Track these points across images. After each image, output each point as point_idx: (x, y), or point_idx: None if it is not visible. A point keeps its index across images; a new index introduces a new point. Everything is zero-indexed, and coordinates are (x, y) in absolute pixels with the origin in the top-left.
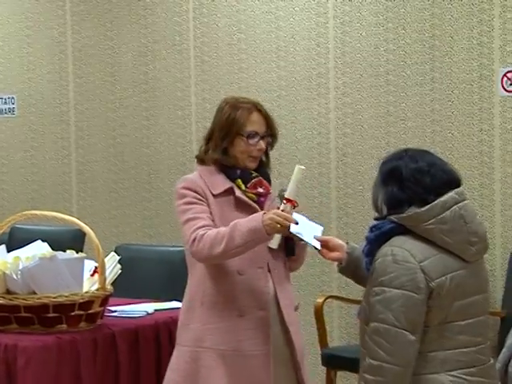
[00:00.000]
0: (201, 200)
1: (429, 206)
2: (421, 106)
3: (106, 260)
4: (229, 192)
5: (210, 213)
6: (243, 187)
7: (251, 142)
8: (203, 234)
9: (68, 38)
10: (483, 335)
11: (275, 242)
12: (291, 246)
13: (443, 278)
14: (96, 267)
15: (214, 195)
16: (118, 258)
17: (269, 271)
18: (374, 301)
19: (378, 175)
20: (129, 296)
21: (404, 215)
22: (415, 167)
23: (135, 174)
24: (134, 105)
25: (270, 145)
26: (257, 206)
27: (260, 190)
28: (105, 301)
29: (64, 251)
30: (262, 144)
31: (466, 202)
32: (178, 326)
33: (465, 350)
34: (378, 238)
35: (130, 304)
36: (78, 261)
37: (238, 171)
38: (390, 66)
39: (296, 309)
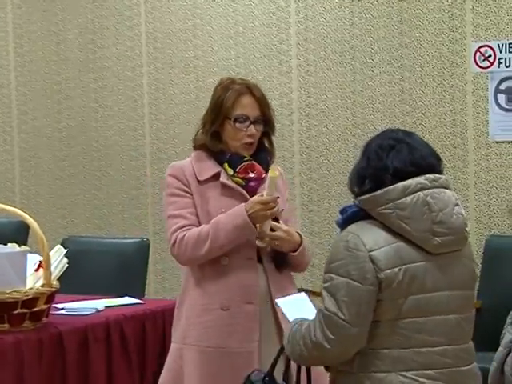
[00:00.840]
0: (184, 191)
1: (387, 188)
2: (389, 85)
3: (51, 254)
4: (216, 178)
5: (194, 204)
6: (230, 171)
7: (239, 126)
8: (183, 237)
9: (8, 13)
10: (447, 336)
11: (262, 241)
12: (281, 259)
13: (395, 269)
14: (41, 261)
15: (199, 181)
16: (64, 251)
17: (260, 262)
18: (323, 287)
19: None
20: (77, 292)
21: (362, 198)
22: (380, 143)
23: (83, 161)
24: (81, 86)
25: (269, 131)
26: (244, 192)
27: (251, 174)
28: (50, 298)
29: (5, 244)
30: (253, 129)
31: (439, 189)
32: None
33: (422, 349)
34: (345, 222)
35: (78, 301)
36: (21, 255)
37: (228, 155)
38: (356, 41)
39: None
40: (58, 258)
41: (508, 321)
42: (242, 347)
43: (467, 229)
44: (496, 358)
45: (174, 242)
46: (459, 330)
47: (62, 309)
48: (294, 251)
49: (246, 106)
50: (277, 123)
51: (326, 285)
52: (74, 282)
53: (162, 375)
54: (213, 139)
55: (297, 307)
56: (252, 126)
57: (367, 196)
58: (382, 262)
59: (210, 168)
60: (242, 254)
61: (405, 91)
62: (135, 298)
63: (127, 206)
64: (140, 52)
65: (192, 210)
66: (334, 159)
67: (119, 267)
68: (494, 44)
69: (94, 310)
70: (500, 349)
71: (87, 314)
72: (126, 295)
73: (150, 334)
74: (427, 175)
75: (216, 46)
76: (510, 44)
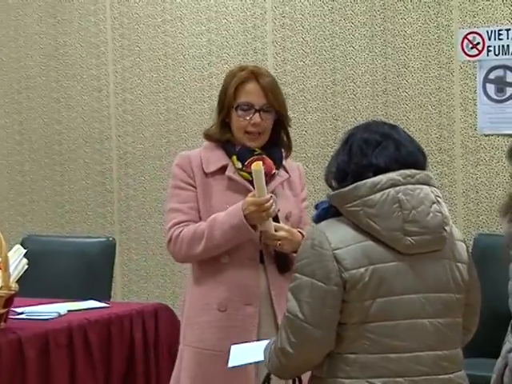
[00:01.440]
0: (188, 183)
1: (355, 184)
2: (371, 74)
3: (10, 254)
4: (223, 170)
5: (197, 198)
6: (238, 165)
7: (241, 114)
8: (179, 234)
9: None
10: (422, 342)
11: (265, 224)
12: (283, 261)
13: (361, 269)
14: None
15: (206, 174)
16: (24, 251)
17: (262, 263)
18: (289, 288)
19: (336, 147)
20: (38, 295)
21: (331, 194)
22: (365, 137)
23: (44, 155)
24: (42, 75)
25: (284, 122)
26: (251, 187)
27: None
28: (9, 301)
29: None
30: (257, 118)
31: (414, 186)
32: None
33: (391, 355)
34: (318, 218)
35: (38, 305)
36: None
37: (238, 147)
38: (336, 27)
39: None
40: (17, 259)
41: (509, 328)
42: None
43: (447, 228)
44: (495, 369)
45: (170, 238)
46: (438, 336)
47: (22, 313)
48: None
49: (250, 93)
50: None
51: (291, 285)
52: (34, 284)
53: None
54: (222, 129)
55: (248, 353)
56: (257, 114)
57: (336, 192)
58: (346, 261)
59: (217, 160)
60: (243, 253)
61: (388, 81)
62: (100, 301)
63: (91, 203)
64: (105, 38)
65: (193, 204)
66: (312, 154)
67: (83, 268)
68: (482, 31)
69: (55, 315)
70: (499, 359)
71: (48, 319)
72: (91, 298)
73: (116, 340)
74: (402, 171)
75: (186, 33)
76: (499, 31)
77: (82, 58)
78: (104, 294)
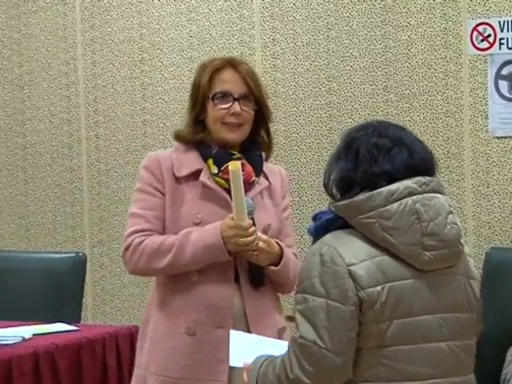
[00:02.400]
0: (155, 189)
1: (369, 193)
2: (370, 69)
3: None
4: (197, 176)
5: (164, 206)
6: (214, 170)
7: (218, 103)
8: (140, 243)
9: None
10: (439, 367)
11: None
12: (258, 275)
13: (378, 287)
14: None
15: (177, 178)
16: None
17: (237, 280)
18: (296, 311)
19: (335, 149)
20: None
21: (340, 203)
22: (375, 142)
23: (6, 161)
24: (3, 71)
25: (265, 116)
26: (227, 197)
27: None
28: None
29: None
30: (237, 107)
31: (430, 195)
32: None
33: None
34: (318, 232)
35: (1, 328)
36: None
37: (215, 149)
38: (331, 18)
39: (280, 333)
40: None
41: (508, 358)
42: (209, 380)
43: (462, 241)
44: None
45: (128, 246)
46: (455, 361)
47: None
48: (276, 265)
49: (227, 81)
50: None
51: (299, 307)
52: None
53: None
54: (194, 128)
55: (251, 348)
56: (236, 103)
57: (346, 202)
58: (362, 279)
59: (191, 163)
60: (215, 270)
61: (389, 77)
62: (69, 324)
63: (59, 214)
64: (74, 30)
65: (158, 213)
66: (306, 158)
67: (50, 287)
68: (494, 21)
69: (19, 339)
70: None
71: (12, 344)
72: (59, 321)
73: (87, 367)
74: (417, 178)
75: (164, 24)
76: None
77: (48, 53)
78: (73, 316)
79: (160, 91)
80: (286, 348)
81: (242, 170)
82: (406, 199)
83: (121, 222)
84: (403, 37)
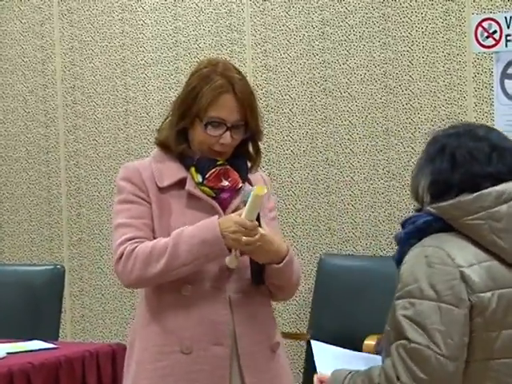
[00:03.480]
0: (140, 198)
1: (478, 193)
2: (369, 68)
3: None
4: (181, 185)
5: (152, 215)
6: (198, 178)
7: (210, 132)
8: (132, 251)
9: None
10: None
11: (232, 259)
12: (257, 271)
13: (489, 293)
14: None
15: (159, 189)
16: None
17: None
18: (400, 316)
19: (423, 153)
20: None
21: (444, 204)
22: (473, 144)
23: None
24: None
25: (253, 137)
26: (216, 205)
27: (224, 182)
28: None
29: None
30: (228, 138)
31: None
32: None
33: None
34: (410, 236)
35: None
36: None
37: (197, 157)
38: (327, 13)
39: (274, 348)
40: None
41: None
42: None
43: None
44: None
45: (121, 255)
46: None
47: None
48: (278, 263)
49: (224, 108)
50: None
51: (405, 312)
52: None
53: None
54: (178, 139)
55: (335, 360)
56: (228, 133)
57: (452, 202)
58: (474, 282)
59: (173, 172)
60: (207, 282)
61: (388, 76)
62: (46, 341)
63: (36, 224)
64: (51, 27)
65: (148, 221)
66: (300, 163)
67: (26, 302)
68: (499, 17)
69: None
70: None
71: None
72: (35, 338)
73: None
74: None
75: (148, 20)
76: None
77: (23, 51)
78: (51, 333)
79: (143, 91)
80: (376, 361)
81: (228, 178)
82: None
83: (102, 232)
84: (403, 33)
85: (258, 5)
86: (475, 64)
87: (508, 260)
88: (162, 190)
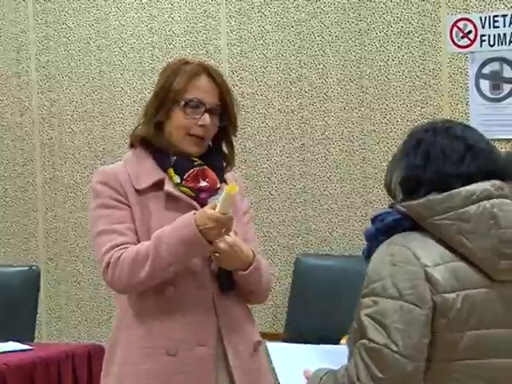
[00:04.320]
0: (119, 201)
1: (447, 193)
2: (344, 68)
3: None
4: (158, 186)
5: (133, 218)
6: (176, 179)
7: (190, 112)
8: (118, 257)
9: None
10: None
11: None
12: (225, 278)
13: (453, 294)
14: None
15: (137, 191)
16: None
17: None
18: (363, 316)
19: (399, 148)
20: None
21: (413, 202)
22: (448, 143)
23: None
24: None
25: (228, 129)
26: (196, 204)
27: (202, 183)
28: None
29: None
30: (207, 119)
31: (505, 200)
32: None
33: None
34: (379, 233)
35: None
36: None
37: (173, 158)
38: (303, 14)
39: (256, 346)
40: None
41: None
42: None
43: None
44: None
45: (108, 264)
46: None
47: None
48: (245, 270)
49: (202, 90)
50: None
51: (368, 311)
52: None
53: None
54: (156, 132)
55: (294, 358)
56: (206, 114)
57: (421, 201)
58: (439, 282)
59: (149, 174)
60: (190, 282)
61: (364, 76)
62: (22, 342)
63: (11, 225)
64: (26, 26)
65: (130, 225)
66: (276, 164)
67: (1, 303)
68: (475, 17)
69: None
70: None
71: None
72: (10, 339)
73: None
74: (493, 181)
75: (124, 20)
76: (494, 17)
77: None
78: (26, 334)
79: (119, 92)
80: (345, 353)
81: (206, 179)
82: (484, 202)
83: (78, 234)
84: (379, 33)
85: (233, 5)
86: (450, 64)
87: (475, 261)
88: (139, 192)
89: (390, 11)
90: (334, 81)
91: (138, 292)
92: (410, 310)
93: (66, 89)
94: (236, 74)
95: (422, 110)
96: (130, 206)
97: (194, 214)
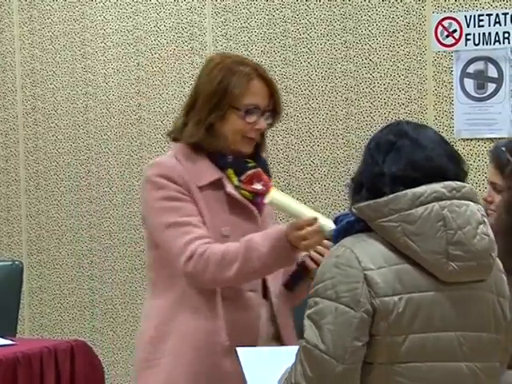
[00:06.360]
0: (186, 195)
1: (393, 195)
2: (329, 66)
3: None
4: (217, 185)
5: (201, 214)
6: (235, 181)
7: (249, 119)
8: (204, 252)
9: None
10: None
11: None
12: (297, 279)
13: (395, 297)
14: None
15: (198, 187)
16: None
17: (265, 297)
18: (306, 315)
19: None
20: None
21: (362, 204)
22: (378, 140)
23: None
24: None
25: (271, 123)
26: (255, 210)
27: (257, 186)
28: None
29: None
30: (263, 123)
31: (460, 201)
32: (135, 369)
33: None
34: (338, 235)
35: None
36: None
37: (230, 157)
38: (288, 11)
39: None
40: None
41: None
42: None
43: (493, 254)
44: None
45: (191, 256)
46: (475, 382)
47: None
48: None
49: (257, 94)
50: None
51: (308, 312)
52: None
53: None
54: (209, 135)
55: (265, 361)
56: (262, 118)
57: (367, 203)
58: (379, 286)
59: (207, 172)
60: (248, 285)
61: (348, 74)
62: (4, 337)
63: None
64: (12, 35)
65: (200, 218)
66: None
67: None
68: (460, 16)
69: None
70: None
71: None
72: None
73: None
74: (446, 182)
75: (109, 15)
76: (479, 16)
77: None
78: (9, 329)
79: (103, 88)
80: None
81: (260, 181)
82: (432, 204)
83: (61, 228)
84: (364, 31)
85: (218, 2)
86: (435, 63)
87: (422, 263)
88: (200, 188)
89: (376, 9)
90: (319, 78)
91: (193, 287)
92: (344, 312)
93: (51, 84)
94: None
95: (407, 108)
96: (195, 201)
97: (282, 226)
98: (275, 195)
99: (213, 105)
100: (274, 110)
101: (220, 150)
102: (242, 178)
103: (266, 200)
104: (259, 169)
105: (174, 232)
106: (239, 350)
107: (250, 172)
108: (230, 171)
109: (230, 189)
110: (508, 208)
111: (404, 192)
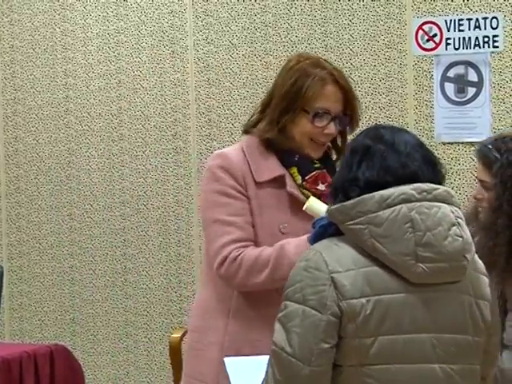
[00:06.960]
0: (240, 192)
1: (361, 197)
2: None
3: None
4: (278, 182)
5: (252, 211)
6: (299, 179)
7: (318, 123)
8: (237, 256)
9: None
10: None
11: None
12: None
13: (362, 299)
14: None
15: (256, 183)
16: None
17: None
18: (277, 319)
19: None
20: None
21: (332, 208)
22: (354, 145)
23: None
24: None
25: (350, 129)
26: None
27: (321, 187)
28: None
29: None
30: (333, 128)
31: (430, 203)
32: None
33: None
34: (313, 239)
35: None
36: None
37: (297, 156)
38: (269, 16)
39: None
40: None
41: None
42: None
43: (468, 256)
44: None
45: (224, 258)
46: None
47: None
48: None
49: (329, 98)
50: (170, 118)
51: (279, 315)
52: None
53: None
54: (282, 135)
55: (252, 370)
56: (332, 123)
57: (336, 206)
58: (346, 288)
59: (270, 168)
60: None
61: None
62: None
63: None
64: None
65: (248, 218)
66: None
67: None
68: (440, 20)
69: None
70: None
71: None
72: None
73: None
74: (417, 184)
75: (90, 19)
76: (460, 20)
77: None
78: None
79: (83, 92)
80: None
81: (324, 182)
82: (399, 206)
83: (41, 232)
84: (344, 36)
85: (200, 5)
86: (415, 67)
87: (390, 265)
88: (259, 184)
89: (356, 14)
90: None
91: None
92: (310, 315)
93: (31, 87)
94: (202, 75)
95: (387, 112)
96: (248, 198)
97: None
98: (313, 203)
99: (285, 106)
100: (348, 114)
101: (289, 150)
102: (307, 177)
103: (304, 207)
104: (325, 170)
105: (217, 229)
106: (226, 360)
107: (315, 172)
108: (294, 169)
109: (290, 187)
110: (492, 205)
111: (371, 194)
